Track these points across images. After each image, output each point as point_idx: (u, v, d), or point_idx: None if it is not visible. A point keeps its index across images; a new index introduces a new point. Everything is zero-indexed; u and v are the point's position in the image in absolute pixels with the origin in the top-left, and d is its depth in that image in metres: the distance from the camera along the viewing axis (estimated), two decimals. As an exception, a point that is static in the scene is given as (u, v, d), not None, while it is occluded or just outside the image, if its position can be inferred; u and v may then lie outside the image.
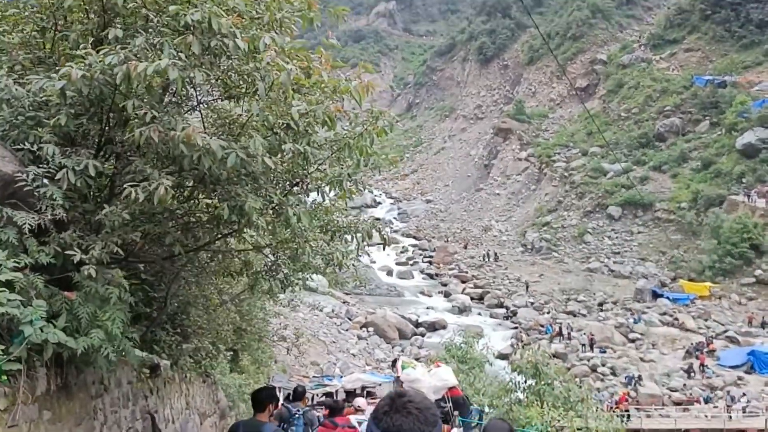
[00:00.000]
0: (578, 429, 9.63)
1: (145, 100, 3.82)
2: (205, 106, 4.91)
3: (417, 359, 22.87)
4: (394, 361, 14.47)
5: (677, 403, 31.53)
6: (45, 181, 3.59)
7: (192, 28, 3.69)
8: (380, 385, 18.05)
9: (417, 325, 44.46)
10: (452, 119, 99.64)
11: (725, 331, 39.55)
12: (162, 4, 3.99)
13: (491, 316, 47.96)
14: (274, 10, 4.32)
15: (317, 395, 18.71)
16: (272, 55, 3.93)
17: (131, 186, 3.68)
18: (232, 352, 15.61)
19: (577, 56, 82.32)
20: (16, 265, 3.26)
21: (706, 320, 41.76)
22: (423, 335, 42.63)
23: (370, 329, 41.46)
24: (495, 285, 54.04)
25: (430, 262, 62.39)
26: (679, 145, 59.67)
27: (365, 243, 5.72)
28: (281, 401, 8.10)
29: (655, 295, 46.29)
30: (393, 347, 39.70)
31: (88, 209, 4.04)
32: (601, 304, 47.57)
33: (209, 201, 4.74)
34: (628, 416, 26.99)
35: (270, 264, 7.39)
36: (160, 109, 3.85)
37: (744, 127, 53.52)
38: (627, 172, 57.70)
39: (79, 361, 3.79)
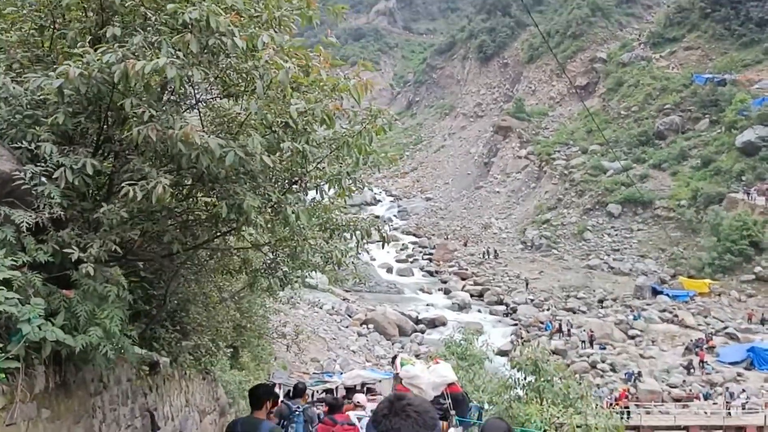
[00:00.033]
0: (578, 426, 9.63)
1: (143, 99, 3.81)
2: (204, 104, 4.90)
3: (417, 356, 22.93)
4: (394, 358, 14.47)
5: (677, 400, 31.64)
6: (43, 179, 3.58)
7: (190, 27, 3.68)
8: (380, 381, 18.10)
9: (417, 322, 44.54)
10: (452, 117, 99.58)
11: (725, 328, 39.68)
12: (160, 2, 3.98)
13: (491, 313, 48.06)
14: (273, 8, 4.31)
15: (317, 392, 18.77)
16: (271, 53, 3.92)
17: (129, 184, 3.67)
18: (232, 349, 15.62)
19: (576, 54, 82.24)
20: (14, 263, 3.26)
21: (705, 317, 41.85)
22: (423, 332, 42.73)
23: (370, 326, 41.53)
24: (495, 282, 54.09)
25: (430, 260, 62.45)
26: (678, 143, 59.70)
27: (364, 241, 5.72)
28: (281, 398, 8.11)
29: (655, 292, 46.37)
30: (393, 344, 39.80)
31: (87, 207, 4.03)
32: (600, 301, 47.65)
33: (208, 199, 4.73)
34: (628, 413, 27.04)
35: (269, 262, 7.39)
36: (159, 108, 3.84)
37: (744, 125, 53.60)
38: (627, 170, 57.70)
39: (77, 359, 3.80)
